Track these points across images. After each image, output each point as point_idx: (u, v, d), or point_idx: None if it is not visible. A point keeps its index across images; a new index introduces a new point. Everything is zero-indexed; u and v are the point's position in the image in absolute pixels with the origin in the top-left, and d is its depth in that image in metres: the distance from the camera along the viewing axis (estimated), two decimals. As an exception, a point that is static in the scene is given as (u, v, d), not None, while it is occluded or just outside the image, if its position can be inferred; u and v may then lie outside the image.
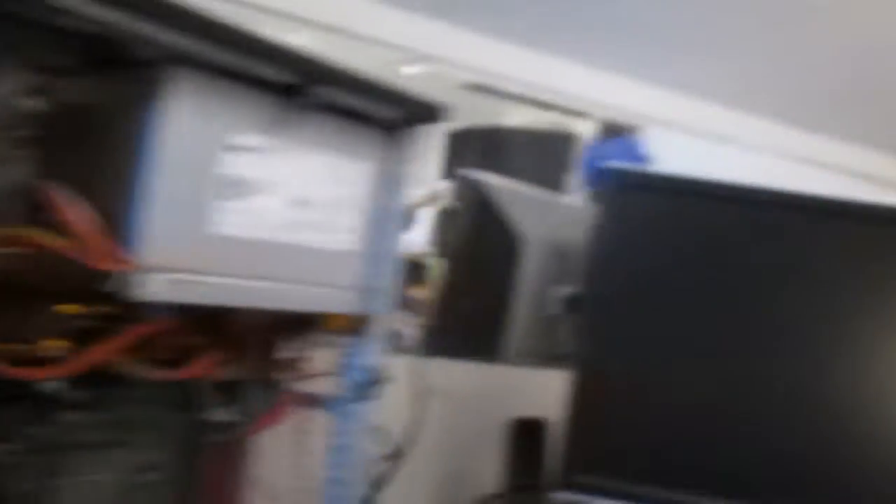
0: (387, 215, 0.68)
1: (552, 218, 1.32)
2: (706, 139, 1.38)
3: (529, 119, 1.34)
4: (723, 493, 0.88)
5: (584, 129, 1.33)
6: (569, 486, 0.90)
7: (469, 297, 1.32)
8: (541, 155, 1.31)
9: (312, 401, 0.68)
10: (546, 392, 0.91)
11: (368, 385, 0.66)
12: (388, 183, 0.67)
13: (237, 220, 0.55)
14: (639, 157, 1.25)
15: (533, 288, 1.34)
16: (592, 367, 0.91)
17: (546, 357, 1.17)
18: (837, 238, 0.91)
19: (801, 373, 0.89)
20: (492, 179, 1.31)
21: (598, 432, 0.90)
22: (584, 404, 0.90)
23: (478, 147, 1.32)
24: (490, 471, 1.05)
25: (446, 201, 1.28)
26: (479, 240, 1.32)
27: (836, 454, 0.88)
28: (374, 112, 0.64)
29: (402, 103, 0.63)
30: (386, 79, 0.62)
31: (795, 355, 0.89)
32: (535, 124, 1.34)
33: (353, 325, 0.66)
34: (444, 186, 1.18)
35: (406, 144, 0.67)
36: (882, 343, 0.90)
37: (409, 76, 1.10)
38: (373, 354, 0.67)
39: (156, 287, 0.49)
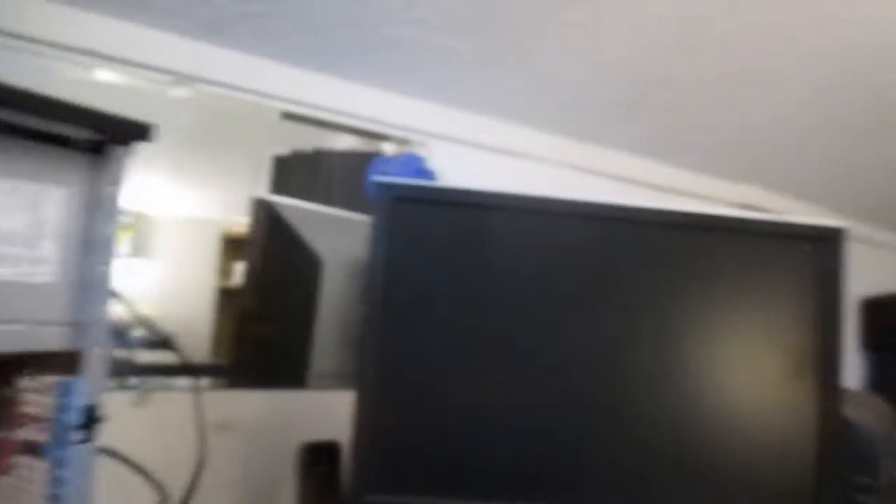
0: (95, 243, 0.63)
1: (353, 238, 1.31)
2: (490, 153, 1.42)
3: (351, 143, 1.33)
4: (511, 499, 0.89)
5: (389, 150, 1.33)
6: (357, 506, 0.89)
7: (269, 324, 1.29)
8: (359, 177, 1.30)
9: (28, 448, 0.63)
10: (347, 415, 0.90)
11: (85, 426, 0.62)
12: (94, 208, 0.63)
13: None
14: (423, 173, 1.26)
15: (335, 310, 1.33)
16: (372, 383, 0.90)
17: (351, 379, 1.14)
18: (608, 240, 0.95)
19: (581, 376, 0.92)
20: (287, 201, 1.29)
21: (383, 449, 0.89)
22: (367, 423, 0.89)
23: (301, 172, 1.28)
24: (288, 501, 1.02)
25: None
26: (276, 264, 1.29)
27: (626, 458, 0.91)
28: (69, 134, 0.60)
29: (98, 124, 0.60)
30: (76, 100, 0.58)
31: (576, 359, 0.92)
32: (354, 147, 1.33)
33: (64, 363, 0.61)
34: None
35: (112, 166, 0.64)
36: (663, 340, 0.94)
37: (181, 98, 1.05)
38: (89, 393, 0.62)
39: None
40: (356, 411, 0.89)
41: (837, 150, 1.85)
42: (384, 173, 1.25)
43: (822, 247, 0.98)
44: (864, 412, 1.27)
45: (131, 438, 1.01)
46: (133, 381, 1.08)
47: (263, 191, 1.23)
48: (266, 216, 1.27)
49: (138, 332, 1.09)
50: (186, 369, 0.99)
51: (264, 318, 1.27)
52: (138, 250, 1.12)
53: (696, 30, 1.29)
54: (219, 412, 1.12)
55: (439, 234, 0.93)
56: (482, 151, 1.43)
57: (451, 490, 0.89)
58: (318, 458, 1.00)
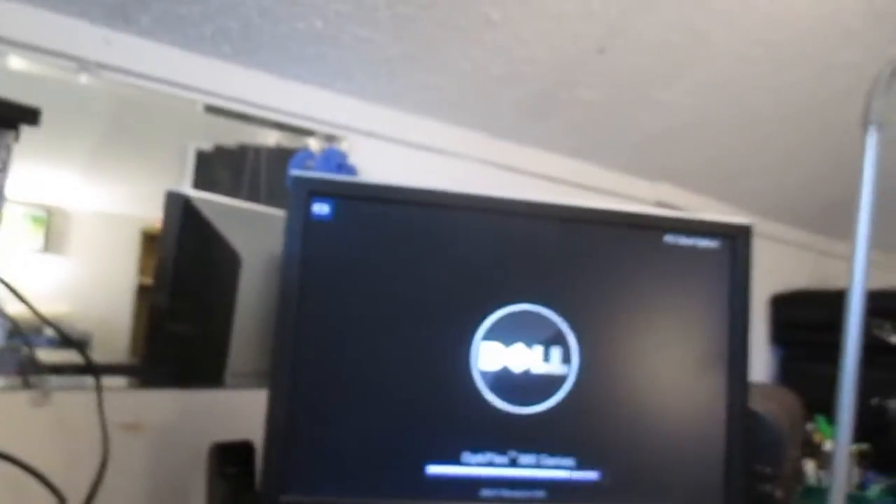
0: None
1: (273, 234, 1.29)
2: (413, 149, 1.42)
3: (277, 139, 1.30)
4: (427, 497, 0.89)
5: (315, 146, 1.31)
6: (270, 506, 0.87)
7: (183, 321, 1.26)
8: (284, 173, 1.27)
9: None
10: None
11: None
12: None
13: None
14: (344, 168, 1.25)
15: (254, 307, 1.31)
16: (284, 381, 0.88)
17: (267, 376, 1.12)
18: (519, 235, 0.95)
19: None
20: (204, 196, 1.25)
21: (296, 449, 0.87)
22: (279, 421, 0.87)
23: (225, 167, 1.25)
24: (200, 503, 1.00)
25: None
26: (191, 260, 1.26)
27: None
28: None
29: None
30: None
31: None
32: (280, 143, 1.30)
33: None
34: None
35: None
36: (574, 335, 0.95)
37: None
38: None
39: None
40: (268, 409, 0.87)
41: (747, 148, 1.92)
42: (305, 169, 1.23)
43: (731, 243, 1.01)
44: (771, 404, 1.31)
45: (31, 440, 0.98)
46: (34, 380, 1.03)
47: (187, 186, 1.20)
48: (180, 210, 1.24)
49: (48, 331, 1.05)
50: (89, 368, 0.95)
51: (177, 315, 1.23)
52: (51, 246, 1.08)
53: (612, 28, 1.31)
54: (128, 412, 1.09)
55: (354, 228, 0.92)
56: (404, 148, 1.42)
57: (366, 489, 0.88)
58: (231, 458, 0.98)
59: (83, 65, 1.07)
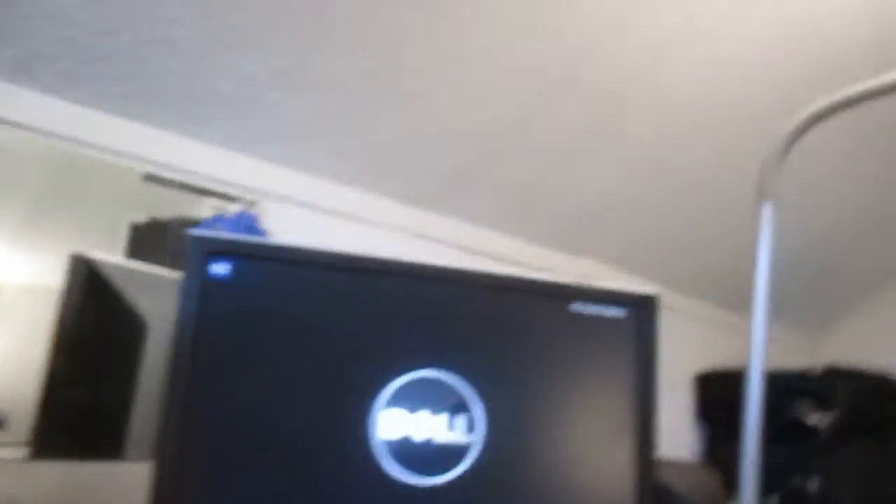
0: None
1: (183, 299, 1.25)
2: (330, 216, 1.41)
3: (215, 209, 1.28)
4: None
5: (231, 212, 1.29)
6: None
7: (80, 389, 1.20)
8: None
9: None
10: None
11: None
12: None
13: None
14: (255, 231, 1.23)
15: (160, 374, 1.25)
16: (170, 452, 0.84)
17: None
18: (427, 301, 0.94)
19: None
20: (110, 259, 1.21)
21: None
22: (163, 497, 0.82)
23: (162, 239, 1.22)
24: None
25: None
26: (94, 325, 1.21)
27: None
28: None
29: None
30: None
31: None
32: (215, 211, 1.27)
33: None
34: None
35: None
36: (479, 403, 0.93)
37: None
38: None
39: None
40: (152, 483, 0.82)
41: (674, 226, 1.96)
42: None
43: (637, 313, 1.01)
44: (688, 481, 1.30)
45: None
46: None
47: (120, 256, 1.17)
48: (82, 273, 1.19)
49: None
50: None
51: (74, 381, 1.18)
52: None
53: (531, 104, 1.35)
54: (6, 487, 1.02)
55: (253, 290, 0.90)
56: (320, 214, 1.42)
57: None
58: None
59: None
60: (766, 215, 0.97)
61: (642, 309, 1.01)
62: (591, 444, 0.96)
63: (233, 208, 1.30)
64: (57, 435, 1.14)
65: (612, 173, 1.64)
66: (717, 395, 2.38)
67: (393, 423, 0.90)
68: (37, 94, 1.09)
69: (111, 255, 1.15)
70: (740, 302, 2.42)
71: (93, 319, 1.20)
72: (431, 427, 0.91)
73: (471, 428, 0.92)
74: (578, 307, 1.00)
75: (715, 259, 2.20)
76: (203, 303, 0.87)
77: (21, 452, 1.05)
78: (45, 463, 1.08)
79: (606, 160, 1.59)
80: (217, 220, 1.24)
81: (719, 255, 2.18)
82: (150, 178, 1.21)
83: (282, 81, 1.15)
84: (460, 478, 0.91)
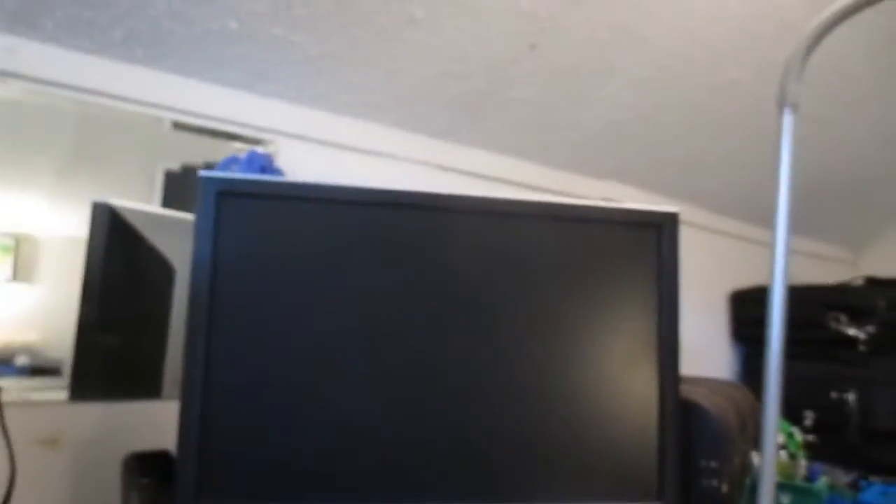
0: None
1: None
2: (343, 151, 1.40)
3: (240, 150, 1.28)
4: (348, 496, 0.87)
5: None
6: (187, 516, 0.84)
7: (113, 333, 1.22)
8: None
9: None
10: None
11: None
12: None
13: None
14: (269, 170, 1.23)
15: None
16: (196, 387, 0.86)
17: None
18: (448, 231, 0.94)
19: (418, 369, 0.91)
20: (133, 206, 1.22)
21: (210, 456, 0.85)
22: (192, 429, 0.85)
23: (190, 185, 1.22)
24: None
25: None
26: (121, 270, 1.23)
27: (470, 448, 0.91)
28: None
29: None
30: None
31: (412, 353, 0.91)
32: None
33: None
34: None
35: None
36: (506, 329, 0.94)
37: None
38: None
39: None
40: (181, 417, 0.85)
41: (694, 146, 1.91)
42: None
43: (658, 232, 1.00)
44: (718, 399, 1.30)
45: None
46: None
47: (156, 206, 1.18)
48: (107, 220, 1.21)
49: (19, 360, 1.06)
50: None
51: (107, 327, 1.20)
52: (20, 274, 1.07)
53: (541, 25, 1.31)
54: (45, 428, 1.06)
55: (266, 228, 0.90)
56: (335, 150, 1.41)
57: (282, 495, 0.86)
58: (147, 468, 0.95)
59: (-8, 76, 1.05)
60: (787, 122, 0.94)
61: (664, 227, 1.00)
62: (617, 363, 0.96)
63: (259, 150, 1.30)
64: (95, 377, 1.17)
65: (630, 91, 1.60)
66: (752, 312, 2.35)
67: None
68: (35, 42, 1.08)
69: (149, 204, 1.15)
70: (772, 218, 2.38)
71: (119, 265, 1.22)
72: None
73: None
74: (599, 228, 0.99)
75: (747, 175, 2.15)
76: (217, 243, 0.88)
77: (61, 394, 1.09)
78: (84, 404, 1.11)
79: (624, 78, 1.54)
80: (231, 161, 1.24)
81: (751, 171, 2.13)
82: (179, 126, 1.21)
83: (286, 16, 1.13)
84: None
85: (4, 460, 0.94)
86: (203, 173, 0.90)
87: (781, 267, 0.93)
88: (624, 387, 0.97)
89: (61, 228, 1.08)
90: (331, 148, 1.39)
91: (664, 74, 1.56)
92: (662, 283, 0.98)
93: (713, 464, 1.20)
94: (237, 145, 1.29)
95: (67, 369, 1.11)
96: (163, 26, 1.09)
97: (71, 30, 1.07)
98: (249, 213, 0.90)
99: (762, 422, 0.97)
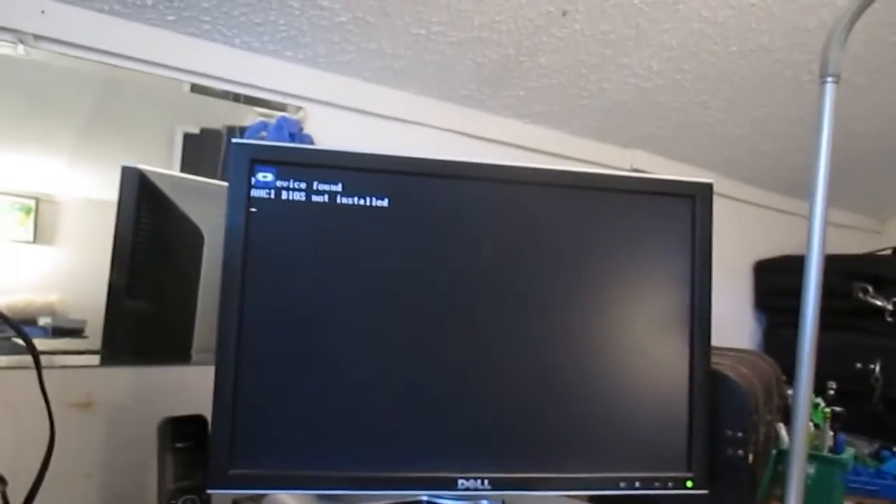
0: None
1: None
2: (373, 118, 1.40)
3: (262, 115, 1.28)
4: (377, 468, 0.87)
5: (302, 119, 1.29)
6: (222, 481, 0.86)
7: (144, 299, 1.23)
8: None
9: None
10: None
11: None
12: None
13: None
14: (298, 137, 1.22)
15: (218, 281, 1.28)
16: (231, 353, 0.87)
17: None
18: (480, 200, 0.93)
19: (452, 336, 0.91)
20: (162, 171, 1.22)
21: (241, 422, 0.86)
22: (227, 395, 0.86)
23: (216, 148, 1.22)
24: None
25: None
26: (150, 235, 1.23)
27: (502, 417, 0.92)
28: None
29: None
30: None
31: (445, 320, 0.91)
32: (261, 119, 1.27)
33: None
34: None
35: None
36: (537, 298, 0.94)
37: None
38: None
39: None
40: (216, 383, 0.86)
41: (722, 114, 1.89)
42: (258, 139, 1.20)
43: (692, 203, 0.99)
44: (744, 368, 1.29)
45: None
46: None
47: (175, 169, 1.18)
48: (137, 185, 1.21)
49: (42, 321, 1.07)
50: (28, 348, 0.93)
51: (136, 292, 1.21)
52: (41, 236, 1.07)
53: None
54: (79, 391, 1.07)
55: (298, 196, 0.90)
56: (363, 116, 1.40)
57: (317, 461, 0.87)
58: (182, 432, 0.96)
59: (20, 37, 1.04)
60: (829, 93, 0.92)
61: (698, 198, 0.99)
62: (648, 334, 0.96)
63: (278, 115, 1.29)
64: (125, 341, 1.18)
65: (659, 59, 1.57)
66: (775, 282, 2.34)
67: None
68: (64, 5, 1.07)
69: (167, 167, 1.15)
70: (798, 187, 2.36)
71: (148, 230, 1.22)
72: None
73: (522, 323, 0.93)
74: (633, 199, 0.98)
75: (770, 144, 2.13)
76: (249, 210, 0.88)
77: (92, 358, 1.10)
78: (115, 368, 1.13)
79: (654, 45, 1.52)
80: (260, 128, 1.23)
81: (778, 139, 2.10)
82: (197, 90, 1.21)
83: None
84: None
85: (42, 422, 0.95)
86: (235, 140, 0.90)
87: (818, 239, 0.92)
88: (655, 358, 0.97)
89: (81, 190, 1.08)
90: (358, 115, 1.38)
91: (694, 40, 1.54)
92: (695, 255, 0.98)
93: (739, 434, 1.20)
94: (258, 109, 1.28)
95: (89, 330, 1.12)
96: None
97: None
98: (281, 179, 0.90)
99: (794, 393, 0.97)
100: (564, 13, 1.35)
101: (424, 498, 0.94)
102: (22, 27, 1.04)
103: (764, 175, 2.30)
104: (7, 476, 0.88)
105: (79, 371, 1.09)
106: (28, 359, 1.01)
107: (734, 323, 2.32)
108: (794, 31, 1.57)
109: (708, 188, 0.99)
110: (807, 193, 0.90)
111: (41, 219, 1.07)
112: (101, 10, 1.11)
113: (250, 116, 1.28)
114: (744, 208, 2.31)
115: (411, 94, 1.47)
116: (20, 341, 1.05)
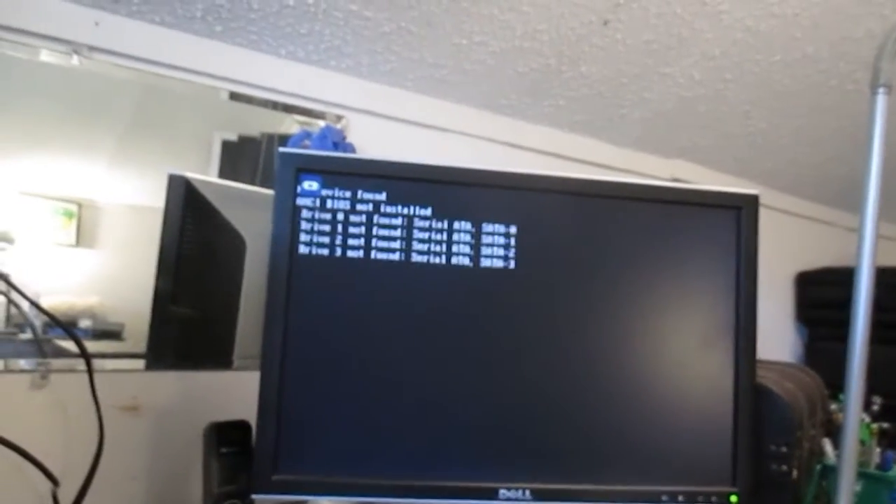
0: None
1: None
2: (414, 127, 1.41)
3: (301, 123, 1.30)
4: (418, 475, 0.87)
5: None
6: (266, 486, 0.86)
7: (188, 305, 1.25)
8: None
9: None
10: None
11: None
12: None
13: None
14: (341, 146, 1.23)
15: (260, 290, 1.29)
16: (276, 360, 0.87)
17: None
18: (524, 209, 0.93)
19: (495, 347, 0.91)
20: (206, 179, 1.24)
21: (286, 428, 0.87)
22: (271, 400, 0.87)
23: (253, 155, 1.24)
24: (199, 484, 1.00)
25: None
26: (195, 242, 1.25)
27: (545, 429, 0.91)
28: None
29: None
30: None
31: (489, 331, 0.91)
32: (301, 127, 1.29)
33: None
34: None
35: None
36: (580, 309, 0.93)
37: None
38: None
39: None
40: (261, 390, 0.87)
41: (764, 124, 1.87)
42: (301, 149, 1.22)
43: (738, 214, 0.98)
44: (788, 383, 1.28)
45: (30, 422, 0.98)
46: (32, 363, 1.03)
47: (213, 175, 1.20)
48: (182, 193, 1.23)
49: (83, 323, 1.09)
50: (81, 352, 0.95)
51: (181, 298, 1.23)
52: (83, 240, 1.10)
53: (615, 1, 1.28)
54: (126, 394, 1.09)
55: (342, 205, 0.91)
56: (404, 126, 1.41)
57: (360, 468, 0.88)
58: (227, 437, 0.97)
59: (75, 48, 1.06)
60: (880, 104, 0.91)
61: (744, 209, 0.98)
62: (693, 345, 0.95)
63: (318, 124, 1.30)
64: (170, 346, 1.20)
65: (701, 68, 1.56)
66: (818, 294, 2.30)
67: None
68: (118, 17, 1.10)
69: (206, 174, 1.17)
70: (841, 198, 2.32)
71: (193, 237, 1.24)
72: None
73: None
74: (679, 210, 0.97)
75: (813, 154, 2.10)
76: (295, 218, 0.89)
77: (137, 362, 1.11)
78: (160, 373, 1.15)
79: (696, 54, 1.51)
80: (303, 136, 1.25)
81: (818, 149, 2.07)
82: (236, 97, 1.22)
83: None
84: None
85: (89, 424, 0.97)
86: (282, 150, 0.91)
87: (869, 251, 0.91)
88: (699, 371, 0.95)
89: (122, 195, 1.09)
90: (398, 123, 1.39)
91: (737, 50, 1.52)
92: (741, 267, 0.97)
93: (783, 448, 1.18)
94: (297, 118, 1.29)
95: (127, 333, 1.14)
96: (242, 1, 1.10)
97: (153, 4, 1.08)
98: (326, 187, 0.90)
99: (844, 408, 0.95)
100: (606, 23, 1.35)
101: (465, 508, 0.93)
102: (77, 38, 1.07)
103: (806, 185, 2.27)
104: (57, 477, 0.90)
105: (125, 375, 1.11)
106: (72, 362, 1.03)
107: (774, 336, 2.29)
108: (841, 40, 1.54)
109: (754, 199, 0.98)
110: (850, 204, 0.88)
111: (83, 223, 1.09)
112: (153, 22, 1.13)
113: (287, 123, 1.29)
114: (785, 219, 2.28)
115: (452, 103, 1.48)
116: (63, 343, 1.08)
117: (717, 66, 1.57)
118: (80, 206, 1.07)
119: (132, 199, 1.12)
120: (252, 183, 1.25)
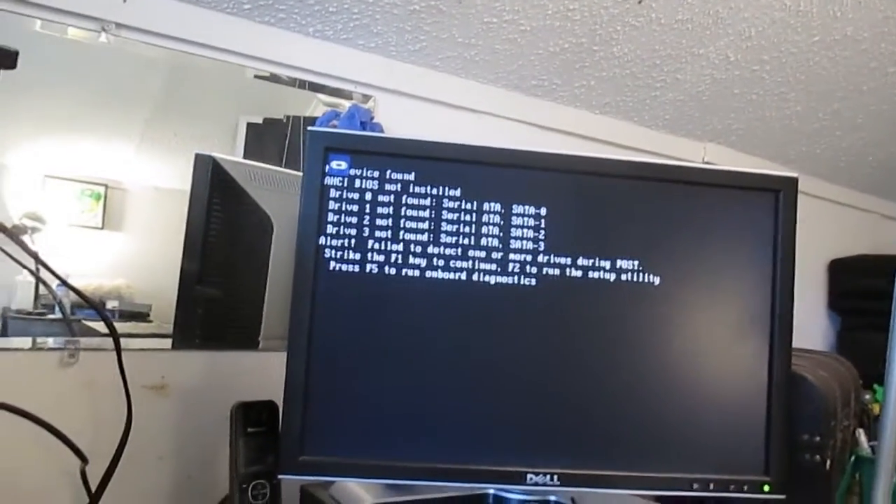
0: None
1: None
2: (440, 107, 1.39)
3: (328, 103, 1.29)
4: (446, 458, 0.86)
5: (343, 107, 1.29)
6: (293, 467, 0.86)
7: (215, 285, 1.25)
8: None
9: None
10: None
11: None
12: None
13: None
14: (370, 126, 1.22)
15: (287, 270, 1.29)
16: (303, 341, 0.87)
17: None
18: (557, 190, 0.91)
19: (524, 329, 0.90)
20: (232, 159, 1.24)
21: (313, 409, 0.86)
22: (298, 381, 0.86)
23: (278, 137, 1.24)
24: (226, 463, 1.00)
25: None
26: (222, 222, 1.25)
27: (576, 418, 0.90)
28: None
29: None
30: None
31: (520, 313, 0.90)
32: (327, 108, 1.28)
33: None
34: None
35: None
36: (613, 293, 0.91)
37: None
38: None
39: None
40: (287, 370, 0.86)
41: (801, 108, 1.83)
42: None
43: (776, 198, 0.96)
44: (822, 372, 1.25)
45: (59, 400, 0.99)
46: (60, 342, 1.04)
47: (240, 155, 1.20)
48: (209, 173, 1.22)
49: (111, 304, 1.09)
50: (109, 331, 0.95)
51: (207, 278, 1.23)
52: (109, 222, 1.10)
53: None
54: (154, 374, 1.09)
55: (371, 184, 0.89)
56: (433, 106, 1.40)
57: (387, 450, 0.87)
58: (254, 418, 0.97)
59: (103, 25, 1.06)
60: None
61: (782, 193, 0.96)
62: (727, 331, 0.94)
63: (345, 104, 1.29)
64: (196, 326, 1.20)
65: (736, 48, 1.53)
66: (852, 282, 2.26)
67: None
68: (168, 1, 1.09)
69: (231, 154, 1.16)
70: (878, 184, 2.27)
71: (220, 217, 1.23)
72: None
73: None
74: (715, 193, 0.95)
75: (850, 138, 2.05)
76: (324, 197, 0.88)
77: (164, 342, 1.12)
78: (187, 352, 1.15)
79: (731, 34, 1.47)
80: (331, 116, 1.23)
81: (855, 133, 2.02)
82: (261, 77, 1.21)
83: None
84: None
85: (117, 403, 0.97)
86: (311, 129, 0.90)
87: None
88: (733, 358, 0.94)
89: (148, 178, 1.09)
90: (427, 103, 1.38)
91: (774, 30, 1.48)
92: (777, 252, 0.94)
93: (816, 438, 1.16)
94: (323, 98, 1.28)
95: (153, 314, 1.15)
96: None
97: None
98: (355, 167, 0.89)
99: (884, 398, 0.92)
100: (640, 1, 1.32)
101: (491, 491, 0.92)
102: (105, 16, 1.06)
103: (841, 171, 2.22)
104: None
105: (152, 354, 1.12)
106: (100, 341, 1.04)
107: (806, 324, 2.25)
108: (883, 20, 1.50)
109: (793, 182, 0.95)
110: (887, 191, 0.85)
111: (110, 205, 1.09)
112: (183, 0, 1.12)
113: (313, 105, 1.28)
114: (819, 205, 2.23)
115: (481, 83, 1.46)
116: (90, 323, 1.08)
117: (753, 47, 1.54)
118: (107, 187, 1.07)
119: (158, 182, 1.12)
120: (277, 164, 1.25)
